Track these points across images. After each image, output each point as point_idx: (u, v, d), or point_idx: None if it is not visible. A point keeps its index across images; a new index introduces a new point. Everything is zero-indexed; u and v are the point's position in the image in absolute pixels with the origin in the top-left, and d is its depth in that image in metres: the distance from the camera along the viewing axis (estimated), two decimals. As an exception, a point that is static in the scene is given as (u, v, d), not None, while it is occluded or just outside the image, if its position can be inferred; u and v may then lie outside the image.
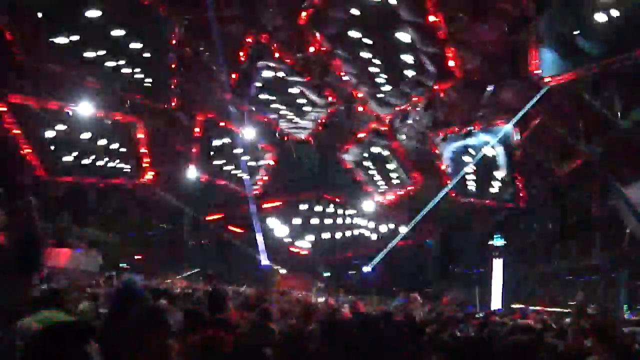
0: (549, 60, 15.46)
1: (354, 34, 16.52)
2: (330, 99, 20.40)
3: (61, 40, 16.43)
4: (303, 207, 28.02)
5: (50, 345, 2.30)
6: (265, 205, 27.40)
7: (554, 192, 22.04)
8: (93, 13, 15.94)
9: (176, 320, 5.00)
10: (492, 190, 22.52)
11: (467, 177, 22.43)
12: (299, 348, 4.38)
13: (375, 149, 23.42)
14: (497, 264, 24.56)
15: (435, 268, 30.41)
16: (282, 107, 21.41)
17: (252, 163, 24.47)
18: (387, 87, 18.95)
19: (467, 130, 20.29)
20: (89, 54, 17.15)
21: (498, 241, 24.97)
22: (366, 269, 27.30)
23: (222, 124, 22.33)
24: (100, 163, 21.00)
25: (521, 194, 21.75)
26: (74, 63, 17.39)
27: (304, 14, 16.45)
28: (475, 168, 21.85)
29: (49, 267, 15.42)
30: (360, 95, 19.55)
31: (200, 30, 18.11)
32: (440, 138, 21.22)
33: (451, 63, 16.55)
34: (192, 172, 23.11)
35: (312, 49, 17.86)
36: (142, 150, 21.51)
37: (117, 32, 16.86)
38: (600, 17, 13.84)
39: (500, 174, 21.44)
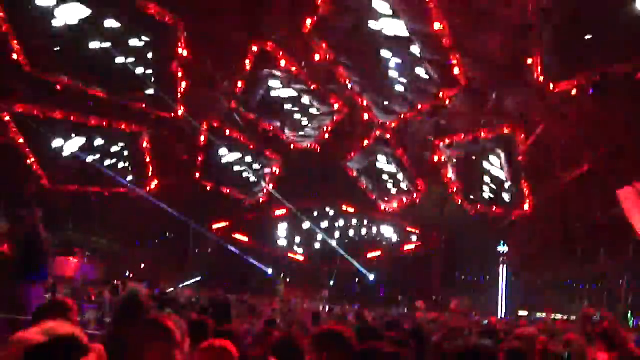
0: (553, 67, 15.42)
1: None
2: (335, 106, 20.39)
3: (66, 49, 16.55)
4: (308, 215, 27.97)
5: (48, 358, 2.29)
6: (270, 214, 27.41)
7: (559, 199, 21.94)
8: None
9: (181, 330, 4.98)
10: (497, 197, 22.45)
11: (472, 184, 22.37)
12: (303, 357, 4.35)
13: (380, 157, 23.40)
14: (503, 271, 24.49)
15: (440, 275, 30.28)
16: (287, 116, 21.44)
17: (258, 171, 24.48)
18: (392, 95, 18.95)
19: (472, 137, 20.26)
20: (93, 63, 17.23)
21: (503, 248, 24.90)
22: (371, 277, 27.28)
23: (227, 132, 22.35)
24: (105, 172, 21.05)
25: (526, 201, 21.66)
26: (79, 72, 17.49)
27: (308, 22, 16.47)
28: (480, 175, 21.77)
29: (54, 277, 15.43)
30: (364, 102, 19.54)
31: (206, 38, 18.18)
32: (445, 145, 21.18)
33: (456, 70, 16.56)
34: None
35: (317, 57, 17.86)
36: (147, 159, 21.59)
37: (122, 41, 16.97)
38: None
39: (505, 181, 21.38)
